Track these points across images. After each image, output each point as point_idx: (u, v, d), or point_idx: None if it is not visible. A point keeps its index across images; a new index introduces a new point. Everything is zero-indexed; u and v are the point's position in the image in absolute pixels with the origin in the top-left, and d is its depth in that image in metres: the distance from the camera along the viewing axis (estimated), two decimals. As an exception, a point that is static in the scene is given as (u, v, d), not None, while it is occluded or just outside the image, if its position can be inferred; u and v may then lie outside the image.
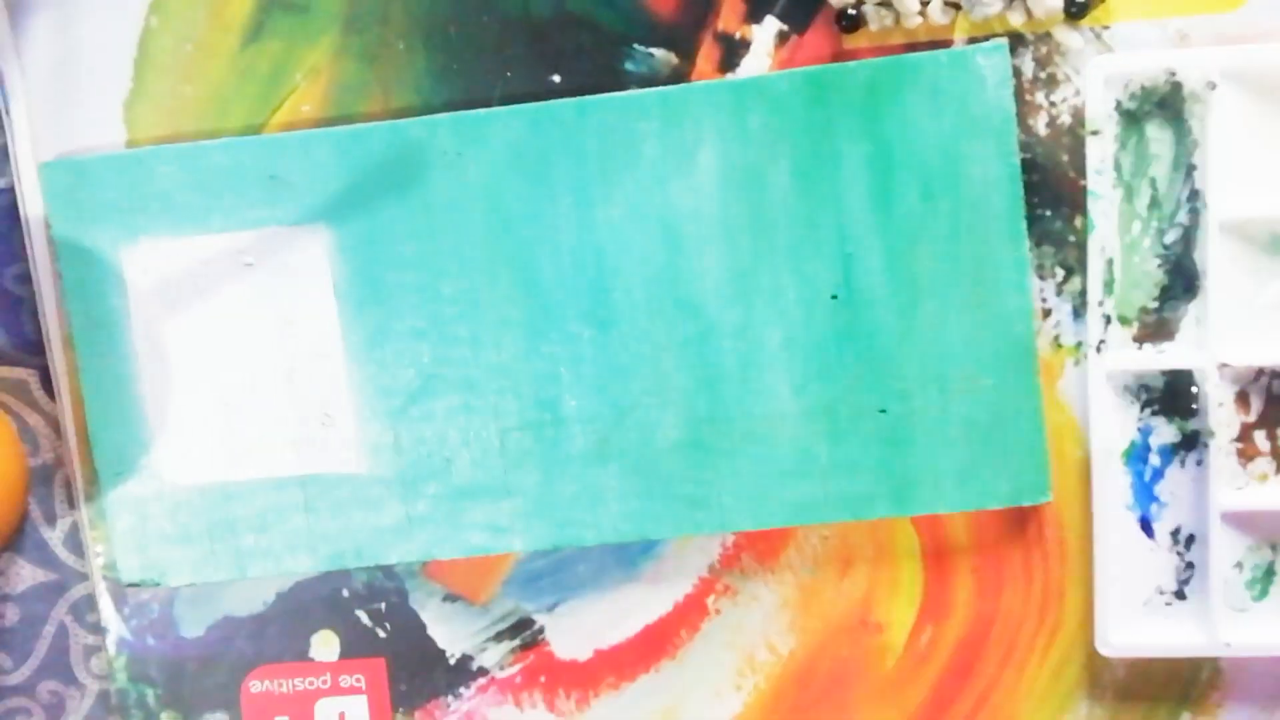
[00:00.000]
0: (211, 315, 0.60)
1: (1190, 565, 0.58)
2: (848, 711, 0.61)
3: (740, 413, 0.59)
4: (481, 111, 0.59)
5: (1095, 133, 0.56)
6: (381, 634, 0.63)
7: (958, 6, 0.57)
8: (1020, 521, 0.59)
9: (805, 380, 0.58)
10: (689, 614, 0.62)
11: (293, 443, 0.61)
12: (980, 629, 0.60)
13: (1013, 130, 0.57)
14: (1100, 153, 0.56)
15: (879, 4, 0.57)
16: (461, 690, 0.63)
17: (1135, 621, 0.58)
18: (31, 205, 0.61)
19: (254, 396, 0.61)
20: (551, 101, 0.58)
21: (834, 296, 0.58)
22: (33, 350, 0.63)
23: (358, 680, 0.63)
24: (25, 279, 0.62)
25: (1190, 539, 0.58)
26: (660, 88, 0.58)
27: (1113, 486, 0.58)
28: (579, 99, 0.58)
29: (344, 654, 0.63)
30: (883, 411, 0.58)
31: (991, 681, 0.60)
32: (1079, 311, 0.58)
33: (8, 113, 0.61)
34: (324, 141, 0.59)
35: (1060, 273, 0.58)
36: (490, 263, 0.59)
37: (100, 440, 0.61)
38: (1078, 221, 0.58)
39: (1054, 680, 0.60)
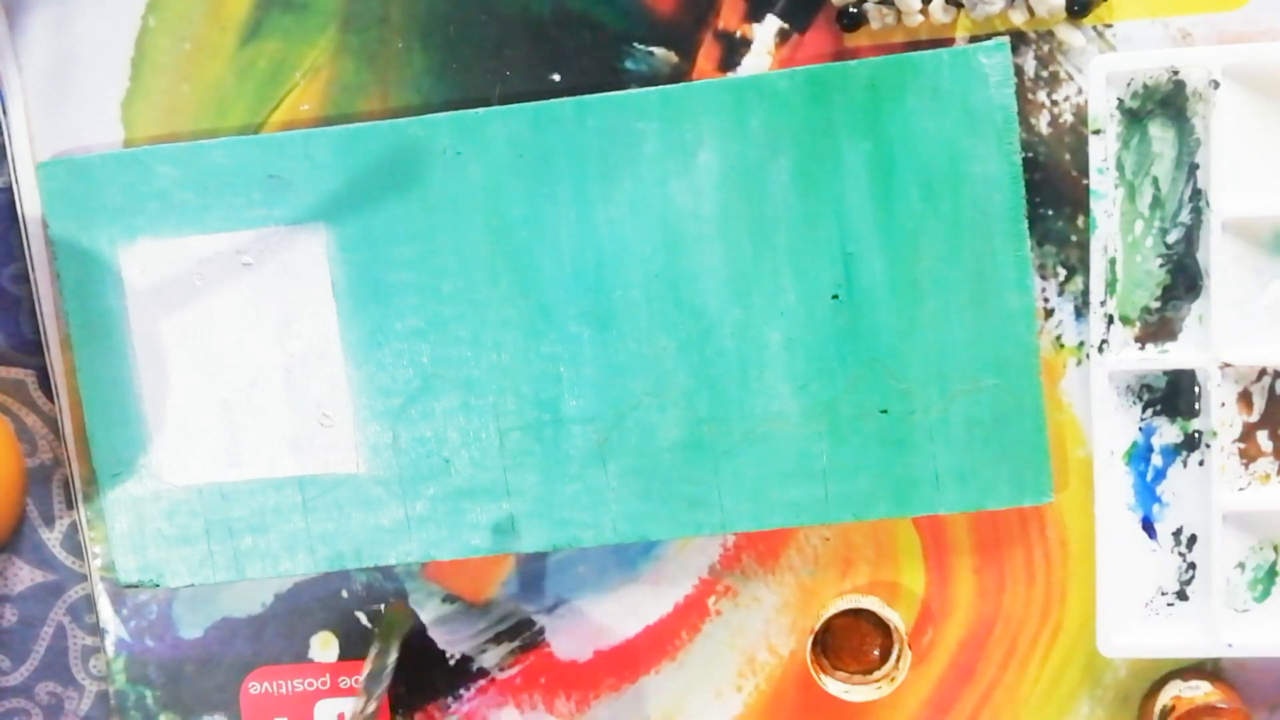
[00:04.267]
0: (210, 315, 0.60)
1: (1192, 566, 0.58)
2: (848, 713, 0.61)
3: (740, 413, 0.59)
4: (481, 111, 0.58)
5: (1097, 131, 0.56)
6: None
7: (960, 5, 0.57)
8: (1022, 522, 0.59)
9: (806, 380, 0.58)
10: (689, 615, 0.61)
11: (291, 443, 0.60)
12: (982, 630, 0.60)
13: (1014, 129, 0.56)
14: (1102, 151, 0.56)
15: (880, 2, 0.57)
16: (461, 691, 0.63)
17: (1137, 622, 0.58)
18: (29, 205, 0.61)
19: (252, 397, 0.60)
20: (551, 101, 0.58)
21: (835, 296, 0.58)
22: (30, 350, 0.63)
23: (357, 681, 0.63)
24: (23, 279, 0.62)
25: (1192, 539, 0.58)
26: (660, 86, 0.58)
27: (1115, 487, 0.58)
28: (579, 98, 0.58)
29: (343, 655, 0.63)
30: (884, 412, 0.58)
31: (993, 682, 0.60)
32: (1081, 311, 0.58)
33: (5, 112, 0.61)
34: (323, 141, 0.59)
35: (1062, 272, 0.58)
36: (490, 263, 0.59)
37: (98, 441, 0.61)
38: (1080, 221, 0.57)
39: (1056, 681, 0.60)
